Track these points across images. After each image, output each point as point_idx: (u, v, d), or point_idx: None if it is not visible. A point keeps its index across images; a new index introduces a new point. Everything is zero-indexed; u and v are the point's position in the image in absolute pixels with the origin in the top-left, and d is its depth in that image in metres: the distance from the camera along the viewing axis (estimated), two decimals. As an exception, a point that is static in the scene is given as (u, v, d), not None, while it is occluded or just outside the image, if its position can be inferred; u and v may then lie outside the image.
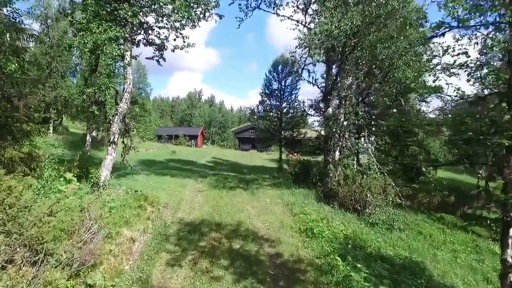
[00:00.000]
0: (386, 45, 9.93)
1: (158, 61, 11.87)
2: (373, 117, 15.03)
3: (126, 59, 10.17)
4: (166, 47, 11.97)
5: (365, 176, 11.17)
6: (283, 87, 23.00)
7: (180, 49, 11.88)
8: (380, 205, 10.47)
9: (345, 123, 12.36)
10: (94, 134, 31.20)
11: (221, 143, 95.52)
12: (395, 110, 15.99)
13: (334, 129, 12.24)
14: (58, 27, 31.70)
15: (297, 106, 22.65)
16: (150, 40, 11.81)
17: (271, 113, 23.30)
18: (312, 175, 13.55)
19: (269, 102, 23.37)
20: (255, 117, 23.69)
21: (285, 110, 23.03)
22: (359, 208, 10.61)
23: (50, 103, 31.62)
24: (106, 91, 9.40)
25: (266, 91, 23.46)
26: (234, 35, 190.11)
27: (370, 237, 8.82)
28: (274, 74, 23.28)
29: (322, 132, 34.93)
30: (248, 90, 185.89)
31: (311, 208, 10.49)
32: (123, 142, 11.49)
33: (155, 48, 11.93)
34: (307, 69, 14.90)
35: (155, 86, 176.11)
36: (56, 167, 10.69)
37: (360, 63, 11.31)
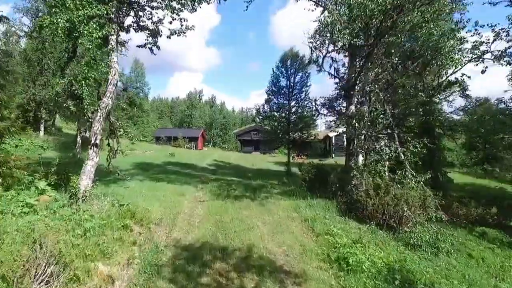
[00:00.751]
0: (432, 26, 8.10)
1: (151, 49, 10.07)
2: (401, 116, 13.19)
3: (110, 43, 8.34)
4: (160, 33, 10.15)
5: (398, 185, 9.31)
6: (291, 84, 21.14)
7: (178, 35, 10.07)
8: (420, 221, 8.61)
9: (370, 122, 10.50)
10: (87, 134, 29.43)
11: (222, 145, 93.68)
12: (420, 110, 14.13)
13: (357, 130, 10.38)
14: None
15: (307, 105, 20.84)
16: (142, 24, 9.99)
17: (278, 113, 21.44)
18: (330, 183, 11.67)
19: (276, 101, 21.51)
20: (261, 117, 21.79)
21: (293, 109, 21.16)
22: (394, 224, 8.74)
23: (41, 102, 29.79)
24: (84, 82, 7.54)
25: (273, 88, 21.60)
26: (235, 34, 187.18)
27: (417, 266, 6.94)
28: (282, 69, 21.42)
29: (331, 134, 33.02)
30: (250, 91, 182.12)
31: (336, 225, 8.62)
32: (108, 144, 9.63)
33: (148, 33, 10.11)
34: (330, 57, 13.03)
35: (154, 87, 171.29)
36: (26, 174, 8.90)
37: (393, 52, 9.51)
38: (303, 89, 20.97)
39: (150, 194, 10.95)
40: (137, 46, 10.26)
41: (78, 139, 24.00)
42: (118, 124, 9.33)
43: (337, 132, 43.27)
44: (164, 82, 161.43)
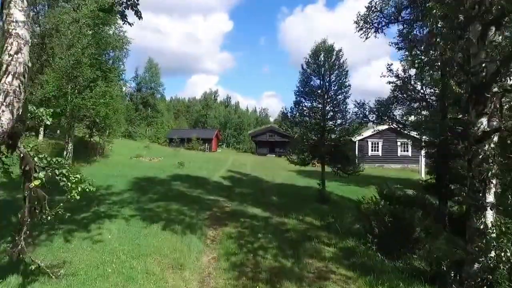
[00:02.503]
0: None
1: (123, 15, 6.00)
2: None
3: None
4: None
5: None
6: (326, 84, 16.78)
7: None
8: None
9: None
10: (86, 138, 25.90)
11: (237, 145, 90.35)
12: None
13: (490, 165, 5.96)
14: (50, 13, 26.42)
15: (347, 109, 16.46)
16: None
17: (310, 118, 17.12)
18: (415, 241, 7.30)
19: (307, 104, 17.19)
20: (288, 122, 17.51)
21: (329, 114, 16.80)
22: None
23: (41, 102, 26.62)
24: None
25: (303, 89, 17.30)
26: (247, 39, 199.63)
27: None
28: (314, 66, 17.07)
29: (354, 138, 27.78)
30: (262, 91, 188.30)
31: None
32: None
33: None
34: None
35: (173, 87, 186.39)
36: None
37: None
38: (342, 90, 16.57)
39: (120, 267, 6.73)
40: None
41: (70, 145, 20.35)
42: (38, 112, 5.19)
43: (363, 136, 38.65)
44: (183, 83, 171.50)
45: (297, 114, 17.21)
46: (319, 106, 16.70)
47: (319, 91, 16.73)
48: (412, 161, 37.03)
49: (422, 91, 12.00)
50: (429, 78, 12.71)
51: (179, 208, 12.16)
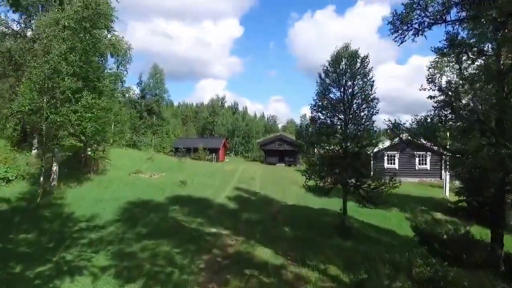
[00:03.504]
0: None
1: None
2: None
3: None
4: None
5: None
6: (348, 96, 14.35)
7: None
8: None
9: None
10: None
11: (245, 154, 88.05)
12: None
13: None
14: (41, 16, 24.40)
15: (374, 128, 13.95)
16: None
17: (328, 137, 14.60)
18: None
19: (325, 121, 14.66)
20: (304, 142, 14.99)
21: (352, 132, 14.27)
22: None
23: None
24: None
25: (320, 103, 14.85)
26: (256, 45, 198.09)
27: None
28: (334, 76, 14.66)
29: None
30: (269, 96, 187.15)
31: None
32: None
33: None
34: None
35: (181, 92, 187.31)
36: None
37: None
38: (369, 104, 14.08)
39: None
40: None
41: (54, 166, 18.12)
42: None
43: (378, 147, 35.92)
44: (191, 88, 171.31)
45: (314, 132, 14.75)
46: (338, 123, 14.24)
47: (340, 105, 14.29)
48: (431, 175, 34.40)
49: (476, 109, 9.48)
50: (481, 93, 10.25)
51: (169, 252, 9.77)
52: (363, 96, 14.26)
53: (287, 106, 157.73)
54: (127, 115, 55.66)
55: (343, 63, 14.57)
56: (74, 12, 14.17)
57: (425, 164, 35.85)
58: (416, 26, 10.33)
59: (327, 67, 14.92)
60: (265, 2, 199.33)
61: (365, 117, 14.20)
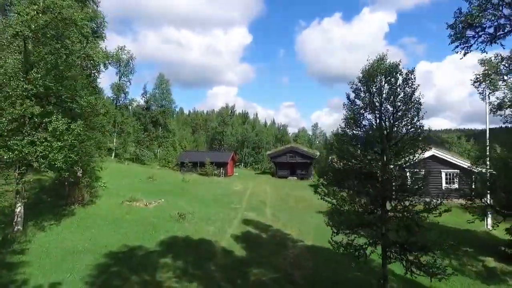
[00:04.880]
0: None
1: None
2: None
3: None
4: None
5: None
6: (386, 126, 10.84)
7: None
8: None
9: None
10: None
11: (255, 165, 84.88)
12: None
13: None
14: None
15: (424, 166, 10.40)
16: None
17: (359, 181, 11.02)
18: None
19: (357, 158, 11.13)
20: (326, 188, 11.32)
21: (393, 178, 10.62)
22: None
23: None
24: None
25: (350, 131, 11.39)
26: (266, 52, 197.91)
27: None
28: (366, 97, 11.22)
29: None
30: (281, 102, 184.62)
31: None
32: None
33: None
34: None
35: (193, 99, 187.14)
36: None
37: None
38: (415, 137, 10.57)
39: None
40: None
41: (18, 207, 14.94)
42: None
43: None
44: (203, 95, 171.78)
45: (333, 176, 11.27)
46: (374, 162, 10.72)
47: (376, 136, 10.79)
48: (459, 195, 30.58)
49: None
50: None
51: None
52: (409, 125, 10.71)
53: (298, 111, 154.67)
54: (131, 127, 53.38)
55: (379, 80, 11.11)
56: (31, 18, 11.12)
57: (453, 183, 31.70)
58: (491, 30, 6.94)
59: (357, 85, 11.46)
60: (272, 11, 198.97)
61: (413, 158, 10.57)
